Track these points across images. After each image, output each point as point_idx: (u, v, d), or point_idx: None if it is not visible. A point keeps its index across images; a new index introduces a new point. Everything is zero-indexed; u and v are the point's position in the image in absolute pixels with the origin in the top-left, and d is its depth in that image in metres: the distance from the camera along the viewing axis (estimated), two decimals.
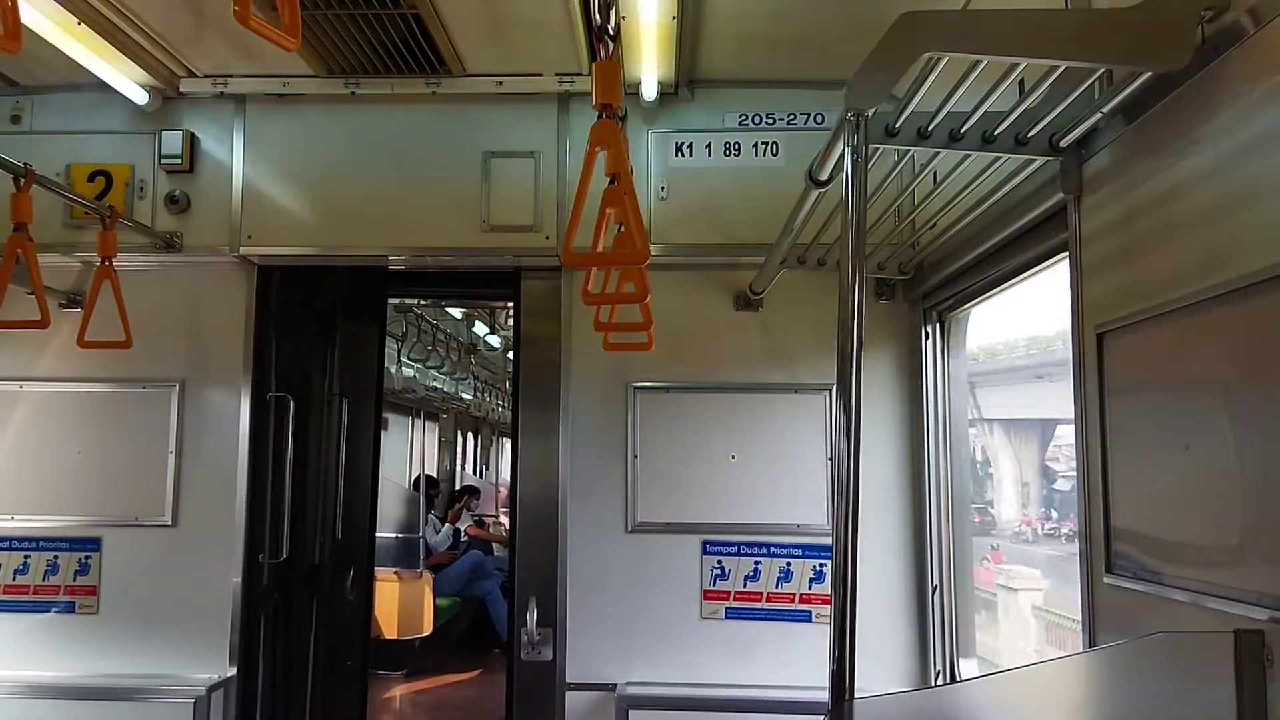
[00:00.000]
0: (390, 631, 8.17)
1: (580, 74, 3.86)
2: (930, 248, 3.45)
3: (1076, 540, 2.43)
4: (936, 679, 3.77)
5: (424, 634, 8.50)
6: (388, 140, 4.05)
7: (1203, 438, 1.90)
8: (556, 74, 3.89)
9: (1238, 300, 1.77)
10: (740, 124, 4.01)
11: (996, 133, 2.32)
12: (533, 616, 3.91)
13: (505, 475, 14.93)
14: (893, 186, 2.85)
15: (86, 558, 4.05)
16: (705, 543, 3.96)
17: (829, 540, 3.69)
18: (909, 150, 2.42)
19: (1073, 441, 2.46)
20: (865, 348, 1.95)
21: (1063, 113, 2.24)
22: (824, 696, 1.88)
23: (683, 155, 4.03)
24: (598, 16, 2.28)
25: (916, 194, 2.96)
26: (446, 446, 13.67)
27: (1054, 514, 21.97)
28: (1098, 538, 2.28)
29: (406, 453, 11.30)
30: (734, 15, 3.49)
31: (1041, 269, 2.94)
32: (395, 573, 8.42)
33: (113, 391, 4.10)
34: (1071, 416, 2.42)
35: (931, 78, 2.09)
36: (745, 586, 3.94)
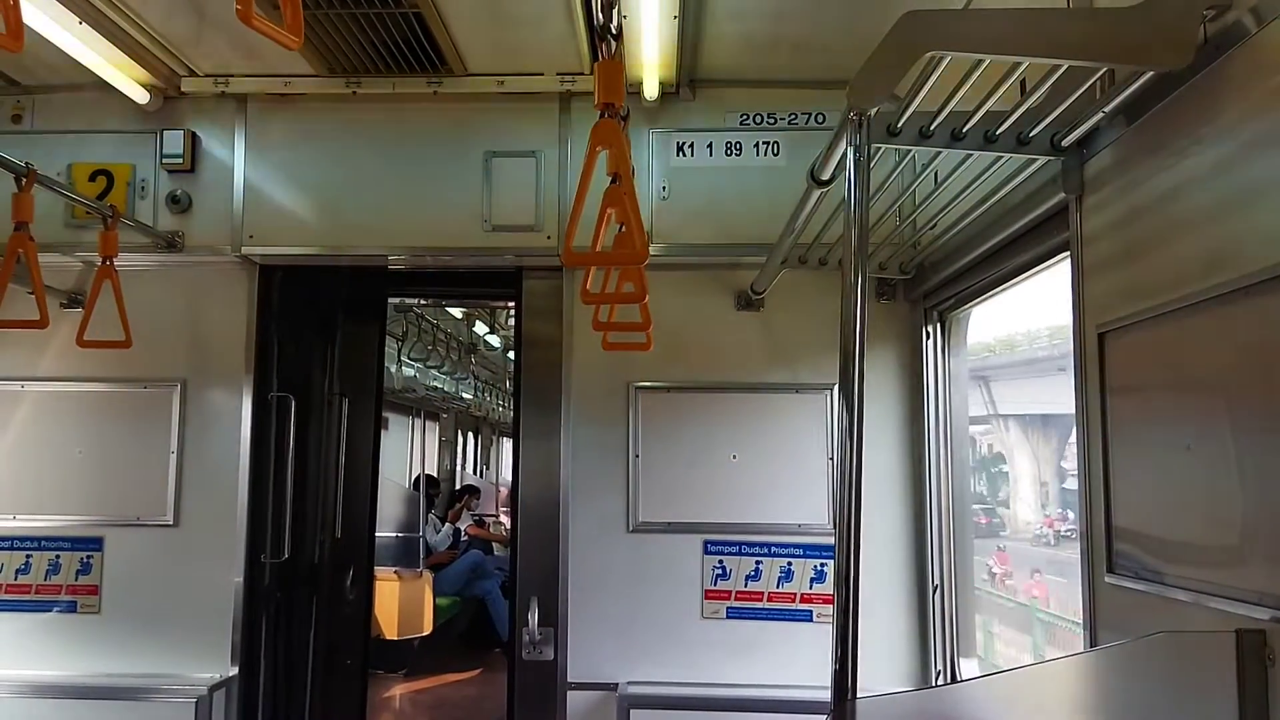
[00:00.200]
0: (390, 631, 8.18)
1: (582, 73, 3.86)
2: (932, 247, 3.45)
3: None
4: (937, 679, 3.77)
5: (424, 633, 8.51)
6: (389, 140, 4.05)
7: (1204, 437, 1.90)
8: (558, 73, 3.88)
9: (1239, 300, 1.77)
10: (742, 123, 4.01)
11: (998, 132, 2.32)
12: (534, 616, 3.91)
13: (505, 475, 14.95)
14: (894, 186, 2.86)
15: (88, 557, 4.05)
16: (706, 542, 3.96)
17: (830, 540, 3.68)
18: (911, 150, 2.42)
19: None
20: (867, 347, 1.95)
21: (1064, 112, 2.24)
22: (825, 696, 1.88)
23: (684, 155, 4.03)
24: (599, 16, 2.27)
25: (918, 193, 2.96)
26: (447, 446, 13.67)
27: (1070, 515, 21.54)
28: (1099, 537, 2.28)
29: (407, 452, 11.30)
30: (735, 15, 3.49)
31: (1043, 269, 2.94)
32: (396, 572, 8.42)
33: (114, 391, 4.11)
34: None
35: (933, 77, 2.09)
36: (746, 586, 3.94)
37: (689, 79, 3.98)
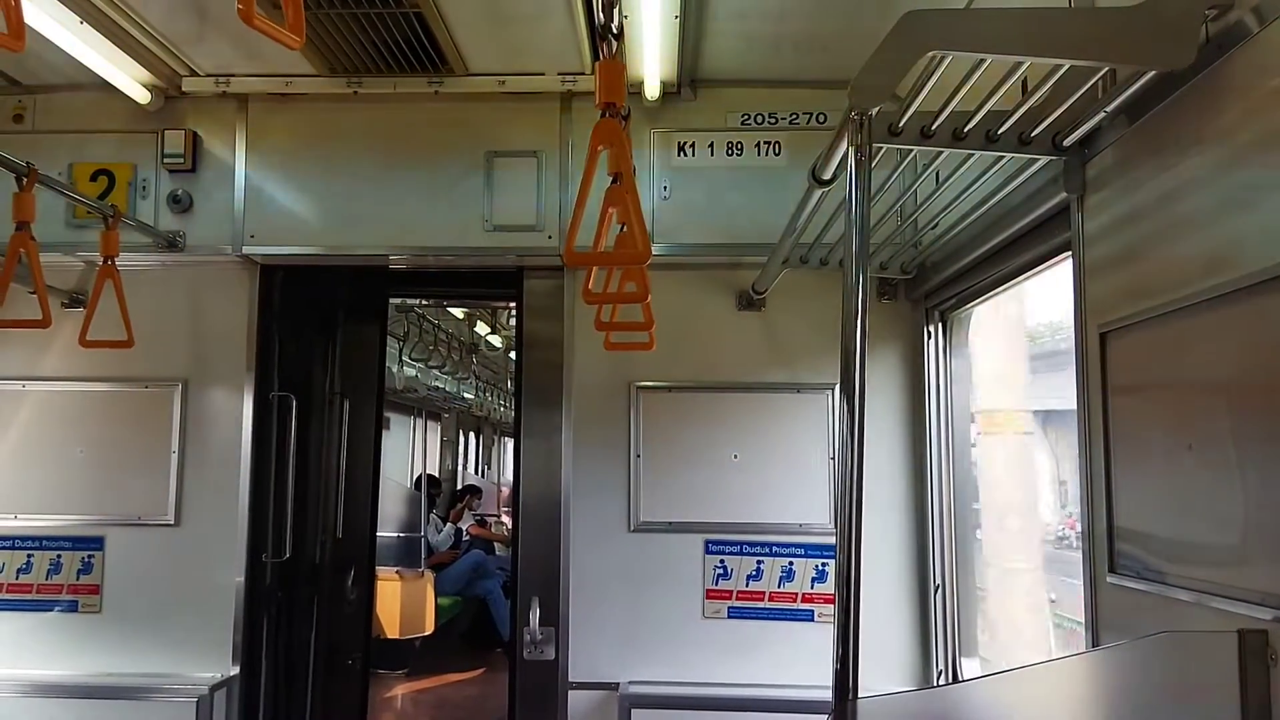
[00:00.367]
0: (392, 631, 8.18)
1: (583, 73, 3.86)
2: (933, 247, 3.45)
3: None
4: (939, 679, 3.77)
5: (425, 633, 8.51)
6: (390, 140, 4.05)
7: (1206, 437, 1.89)
8: (559, 73, 3.88)
9: (1241, 300, 1.77)
10: (743, 123, 4.01)
11: (999, 132, 2.32)
12: (535, 616, 3.91)
13: (507, 475, 14.95)
14: (895, 186, 2.85)
15: (90, 557, 4.05)
16: (708, 542, 3.96)
17: (831, 540, 3.69)
18: (912, 149, 2.42)
19: None
20: (868, 347, 1.95)
21: (1066, 112, 2.23)
22: (826, 696, 1.88)
23: (685, 155, 4.02)
24: (600, 15, 2.27)
25: (919, 193, 2.95)
26: (448, 446, 13.68)
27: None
28: (1101, 537, 2.27)
29: (409, 452, 11.31)
30: (737, 14, 3.49)
31: (1044, 268, 2.94)
32: (397, 572, 8.43)
33: (115, 391, 4.11)
34: None
35: (935, 77, 2.09)
36: (748, 586, 3.94)
37: (690, 79, 3.97)
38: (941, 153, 2.43)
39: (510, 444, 7.90)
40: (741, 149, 4.01)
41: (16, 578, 4.07)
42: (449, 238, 4.03)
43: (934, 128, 2.30)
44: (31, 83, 4.12)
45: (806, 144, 3.88)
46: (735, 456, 3.98)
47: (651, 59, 3.61)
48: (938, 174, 2.72)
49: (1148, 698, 1.89)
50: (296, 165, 4.08)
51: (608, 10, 2.23)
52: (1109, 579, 2.23)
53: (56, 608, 4.05)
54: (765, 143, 4.00)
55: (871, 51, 1.94)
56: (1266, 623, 1.70)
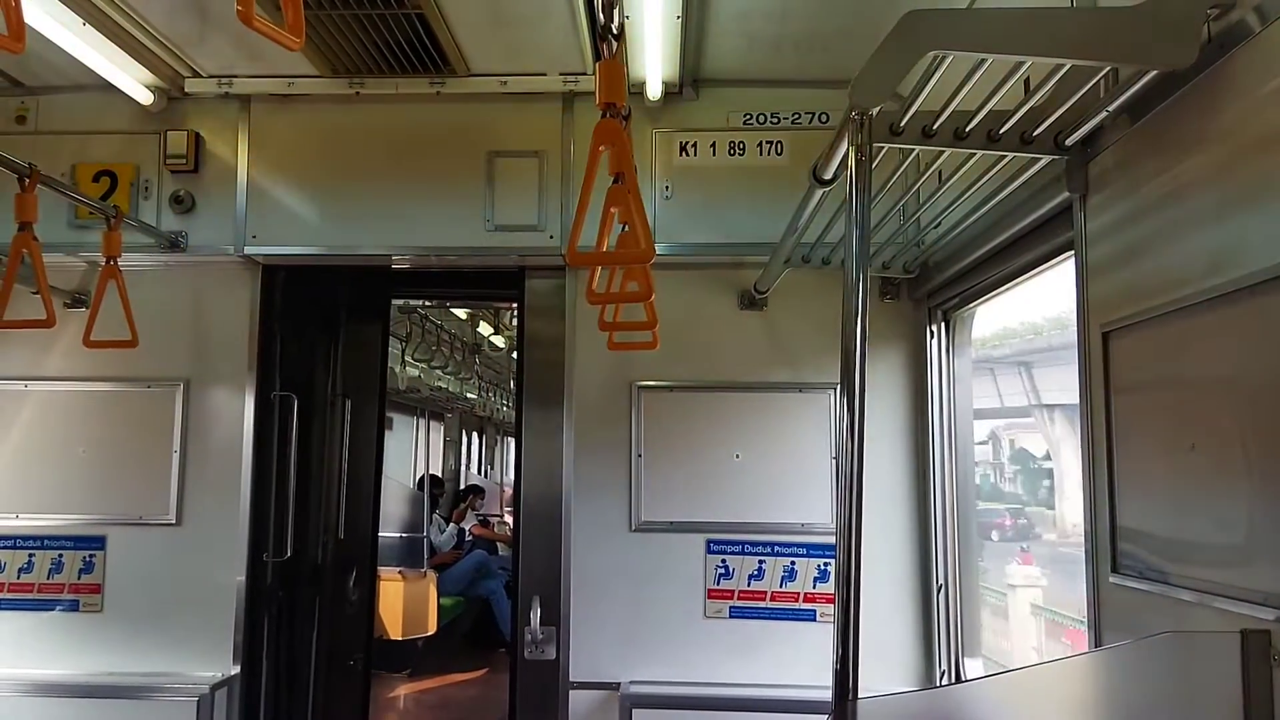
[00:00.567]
0: (394, 631, 8.18)
1: (584, 73, 3.86)
2: (935, 247, 3.44)
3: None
4: (941, 679, 3.77)
5: (428, 633, 8.50)
6: (392, 140, 4.05)
7: (1209, 437, 1.89)
8: (561, 73, 3.89)
9: (1244, 299, 1.76)
10: (744, 123, 4.01)
11: (1001, 131, 2.31)
12: (536, 615, 3.91)
13: (510, 475, 14.94)
14: (897, 185, 2.85)
15: (91, 556, 4.06)
16: (709, 542, 3.96)
17: (834, 539, 3.68)
18: (913, 149, 2.42)
19: None
20: (870, 346, 1.95)
21: (1068, 112, 2.23)
22: (828, 696, 1.88)
23: (687, 154, 4.02)
24: (602, 15, 2.26)
25: (921, 193, 2.94)
26: (451, 446, 13.68)
27: None
28: (1103, 537, 2.27)
29: (411, 452, 11.32)
30: (738, 14, 3.49)
31: (1047, 268, 2.94)
32: (400, 572, 8.42)
33: (117, 391, 4.12)
34: None
35: (936, 76, 2.09)
36: (749, 585, 3.94)
37: (692, 79, 3.97)
38: (943, 152, 2.43)
39: (513, 444, 7.90)
40: (743, 149, 4.01)
41: (18, 577, 4.08)
42: (451, 238, 4.04)
43: (935, 127, 2.30)
44: (34, 84, 4.13)
45: (808, 144, 3.88)
46: (737, 456, 3.98)
47: (653, 59, 3.61)
48: (940, 173, 2.71)
49: (1150, 698, 1.89)
50: (298, 166, 4.08)
51: (608, 10, 2.22)
52: (1111, 579, 2.23)
53: (58, 607, 4.06)
54: (767, 142, 4.00)
55: (873, 51, 1.94)
56: (1269, 623, 1.69)
